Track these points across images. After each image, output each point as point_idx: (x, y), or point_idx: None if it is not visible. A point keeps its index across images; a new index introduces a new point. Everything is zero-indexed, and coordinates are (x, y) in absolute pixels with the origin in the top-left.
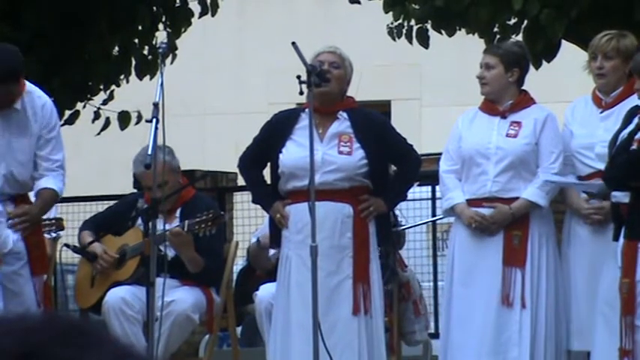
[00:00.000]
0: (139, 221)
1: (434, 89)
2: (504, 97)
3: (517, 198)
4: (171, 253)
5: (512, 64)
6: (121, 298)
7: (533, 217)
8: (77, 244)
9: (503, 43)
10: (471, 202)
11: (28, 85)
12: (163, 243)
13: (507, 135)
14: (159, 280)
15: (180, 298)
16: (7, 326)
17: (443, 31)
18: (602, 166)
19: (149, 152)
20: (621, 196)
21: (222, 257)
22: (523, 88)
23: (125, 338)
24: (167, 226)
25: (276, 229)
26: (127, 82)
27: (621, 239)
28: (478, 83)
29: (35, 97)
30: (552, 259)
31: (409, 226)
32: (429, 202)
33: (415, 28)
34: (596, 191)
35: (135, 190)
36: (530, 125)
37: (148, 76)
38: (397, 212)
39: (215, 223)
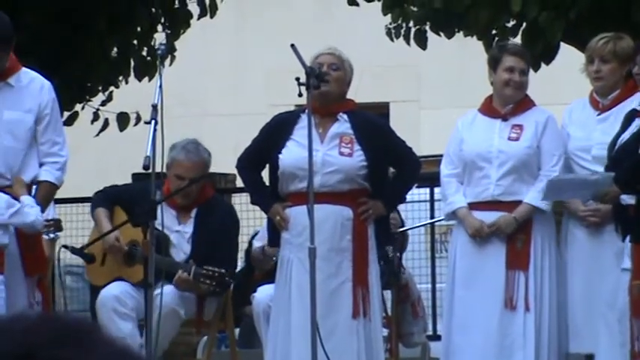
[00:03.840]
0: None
1: (432, 91)
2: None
3: (519, 201)
4: (177, 257)
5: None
6: (114, 296)
7: (535, 220)
8: (75, 245)
9: (517, 45)
10: (473, 206)
11: (28, 70)
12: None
13: (509, 138)
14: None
15: (165, 292)
16: (5, 327)
17: (442, 33)
18: (598, 168)
19: (148, 154)
20: (627, 198)
21: (236, 262)
22: None
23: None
24: (181, 226)
25: (275, 229)
26: (126, 83)
27: (627, 241)
28: (504, 86)
29: (34, 77)
30: (554, 262)
31: (408, 228)
32: (428, 204)
33: (413, 29)
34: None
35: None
36: (531, 128)
37: (146, 78)
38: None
39: (219, 286)
